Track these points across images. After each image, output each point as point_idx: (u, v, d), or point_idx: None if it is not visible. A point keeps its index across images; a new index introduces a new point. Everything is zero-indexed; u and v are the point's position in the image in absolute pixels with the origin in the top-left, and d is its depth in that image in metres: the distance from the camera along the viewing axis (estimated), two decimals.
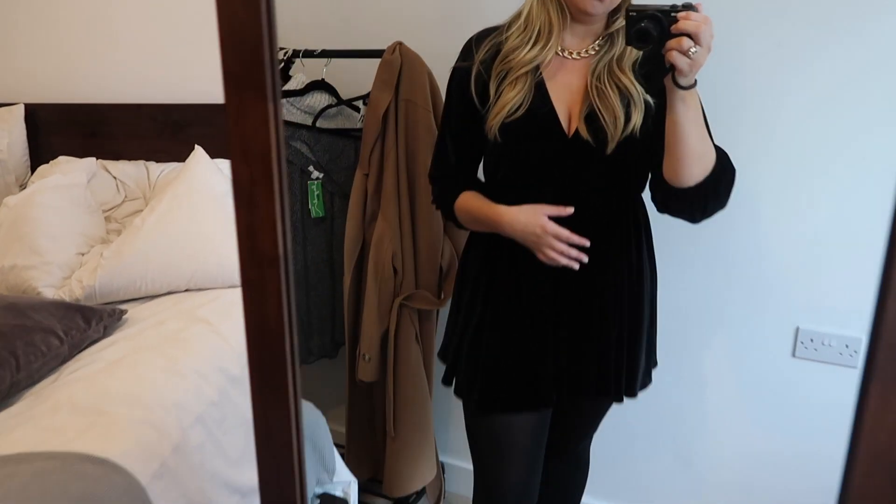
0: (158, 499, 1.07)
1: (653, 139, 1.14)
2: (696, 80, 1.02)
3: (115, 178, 1.92)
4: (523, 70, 1.16)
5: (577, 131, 1.16)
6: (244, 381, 1.43)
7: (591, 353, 1.26)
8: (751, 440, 1.76)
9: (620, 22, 1.15)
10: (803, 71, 1.51)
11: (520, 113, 1.17)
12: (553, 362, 1.26)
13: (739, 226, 1.63)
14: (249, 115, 0.56)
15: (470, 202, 1.28)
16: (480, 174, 1.38)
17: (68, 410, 1.14)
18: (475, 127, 1.24)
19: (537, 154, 1.20)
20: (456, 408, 2.14)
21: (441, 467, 2.06)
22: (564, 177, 1.20)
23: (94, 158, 1.91)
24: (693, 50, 0.95)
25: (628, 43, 1.02)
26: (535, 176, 1.21)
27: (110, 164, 1.95)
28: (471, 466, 2.20)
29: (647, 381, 1.37)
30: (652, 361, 1.38)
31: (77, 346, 1.33)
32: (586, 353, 1.26)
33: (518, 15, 1.21)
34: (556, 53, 1.20)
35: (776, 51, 1.52)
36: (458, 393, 1.36)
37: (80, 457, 1.03)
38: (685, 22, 0.96)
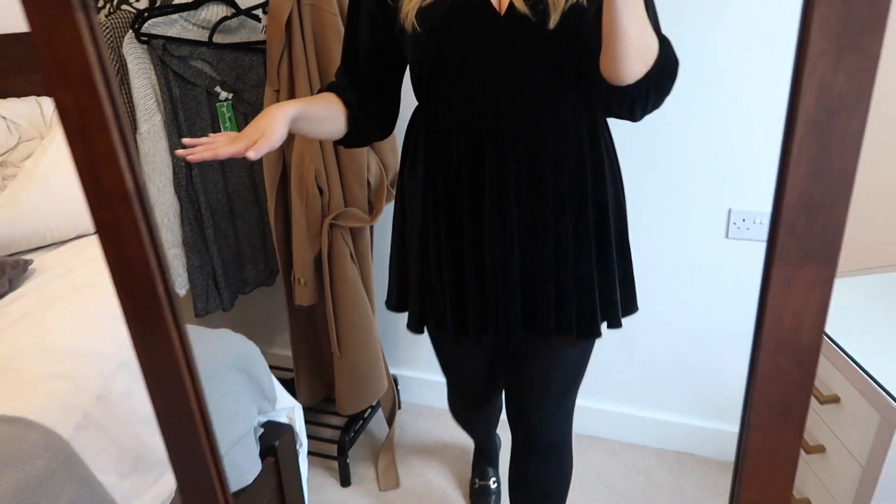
0: (85, 450, 1.03)
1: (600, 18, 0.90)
2: None
3: (4, 118, 1.76)
4: None
5: (510, 5, 0.97)
6: None
7: (547, 282, 1.08)
8: (688, 319, 1.80)
9: None
10: None
11: None
12: (503, 291, 1.09)
13: (669, 112, 1.60)
14: (58, 32, 0.47)
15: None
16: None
17: None
18: (386, 29, 1.07)
19: (466, 40, 1.00)
20: (403, 322, 2.13)
21: (394, 380, 2.07)
22: (502, 65, 1.00)
23: None
24: None
25: None
26: (467, 69, 1.02)
27: None
28: (424, 375, 2.22)
29: (615, 321, 1.15)
30: (629, 297, 1.18)
31: None
32: (541, 281, 1.08)
33: None
34: None
35: None
36: (410, 327, 1.23)
37: None
38: None
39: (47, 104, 1.82)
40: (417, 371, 2.20)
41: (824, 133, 0.41)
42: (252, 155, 0.84)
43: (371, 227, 1.81)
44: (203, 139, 0.88)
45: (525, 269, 1.08)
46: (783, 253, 0.45)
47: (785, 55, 1.49)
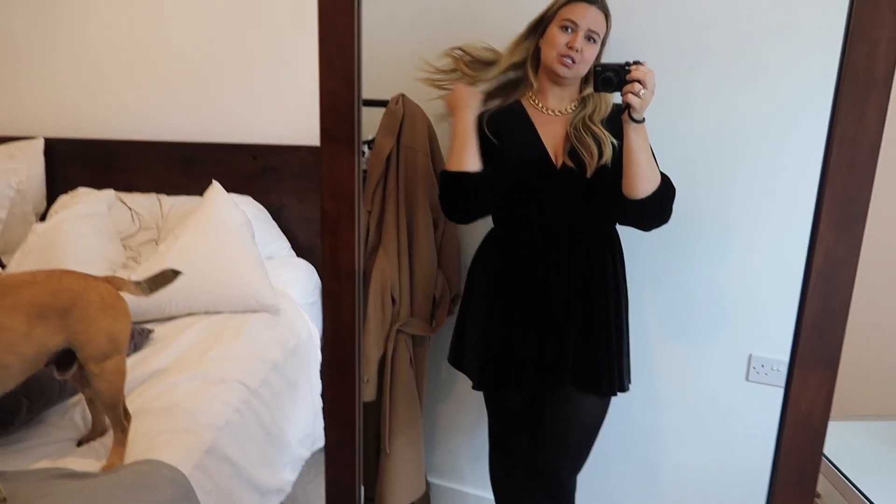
0: (199, 487, 1.21)
1: (619, 171, 1.44)
2: (644, 118, 1.35)
3: (130, 208, 2.06)
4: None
5: (563, 163, 1.52)
6: (262, 394, 1.57)
7: (577, 348, 1.53)
8: (708, 457, 1.95)
9: (588, 89, 1.53)
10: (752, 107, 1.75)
11: (523, 155, 1.55)
12: (541, 354, 1.54)
13: (699, 260, 1.86)
14: (338, 164, 0.74)
15: None
16: None
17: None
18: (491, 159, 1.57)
19: (536, 181, 1.53)
20: (441, 431, 2.29)
21: (428, 486, 2.19)
22: (556, 198, 1.53)
23: (112, 190, 2.05)
24: (642, 92, 1.30)
25: (596, 89, 1.36)
26: (535, 198, 1.54)
27: (125, 195, 2.10)
28: (454, 486, 2.35)
29: (625, 386, 1.61)
30: (627, 369, 1.61)
31: None
32: (570, 348, 1.53)
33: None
34: (545, 112, 1.57)
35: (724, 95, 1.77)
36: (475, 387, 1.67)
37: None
38: (636, 72, 1.31)
39: (165, 201, 2.13)
40: (448, 481, 2.32)
41: (829, 280, 0.65)
42: None
43: (429, 338, 2.04)
44: None
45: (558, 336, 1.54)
46: (801, 358, 0.68)
47: (803, 214, 1.76)
